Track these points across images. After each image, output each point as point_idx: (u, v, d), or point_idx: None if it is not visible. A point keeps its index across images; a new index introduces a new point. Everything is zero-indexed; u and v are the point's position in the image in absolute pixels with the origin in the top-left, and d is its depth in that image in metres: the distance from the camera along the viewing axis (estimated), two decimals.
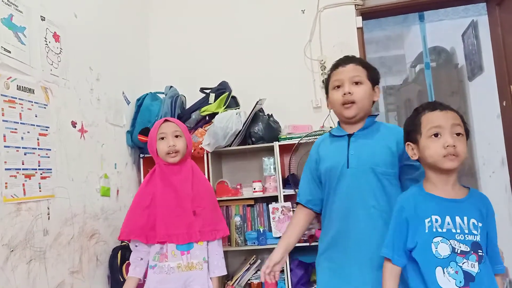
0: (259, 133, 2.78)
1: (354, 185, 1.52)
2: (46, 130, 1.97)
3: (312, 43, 3.06)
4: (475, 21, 3.76)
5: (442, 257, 1.30)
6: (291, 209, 2.69)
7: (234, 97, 2.98)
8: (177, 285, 1.82)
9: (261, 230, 2.73)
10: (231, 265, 3.00)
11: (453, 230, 1.31)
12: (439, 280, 1.29)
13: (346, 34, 3.02)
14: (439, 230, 1.33)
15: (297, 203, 1.75)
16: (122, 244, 2.50)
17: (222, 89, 2.94)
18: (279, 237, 2.65)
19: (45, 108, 1.97)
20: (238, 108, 2.90)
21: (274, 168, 2.78)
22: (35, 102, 1.91)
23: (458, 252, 1.29)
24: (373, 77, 1.60)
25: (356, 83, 1.55)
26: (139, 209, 1.92)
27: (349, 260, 1.52)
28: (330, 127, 2.77)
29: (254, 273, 2.80)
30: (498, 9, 2.83)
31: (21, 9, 1.86)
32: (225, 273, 1.95)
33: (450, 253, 1.30)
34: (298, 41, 3.07)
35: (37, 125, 1.91)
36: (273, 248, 2.75)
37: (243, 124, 2.77)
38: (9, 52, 1.77)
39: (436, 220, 1.34)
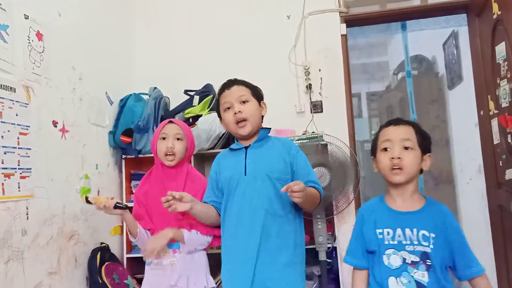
0: None
1: (250, 190, 1.65)
2: (27, 129, 1.95)
3: (296, 48, 3.09)
4: (456, 31, 3.85)
5: (394, 268, 1.39)
6: None
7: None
8: (174, 280, 1.82)
9: None
10: (211, 268, 2.99)
11: (404, 242, 1.39)
12: None
13: (330, 40, 3.06)
14: (391, 242, 1.41)
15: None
16: (102, 245, 2.48)
17: (206, 91, 2.95)
18: None
19: (26, 107, 1.95)
20: None
21: None
22: (16, 101, 1.89)
23: (409, 262, 1.37)
24: (257, 94, 1.77)
25: (243, 102, 1.70)
26: (140, 207, 1.95)
27: (239, 263, 1.63)
28: (312, 132, 2.81)
29: None
30: (477, 20, 2.90)
31: (4, 7, 1.84)
32: (184, 239, 1.84)
33: (401, 263, 1.38)
34: (283, 47, 3.09)
35: (17, 124, 1.88)
36: None
37: None
38: None
39: (388, 233, 1.42)
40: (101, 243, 2.49)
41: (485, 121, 2.83)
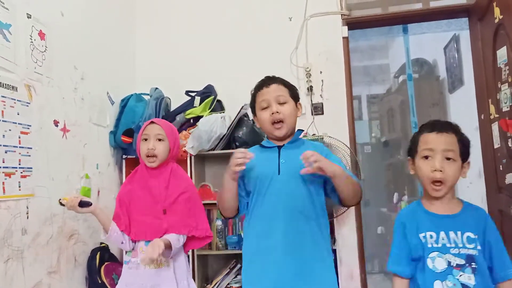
0: (243, 137, 2.79)
1: (284, 191, 1.61)
2: (28, 128, 1.95)
3: (298, 50, 3.10)
4: (457, 35, 3.85)
5: (439, 271, 1.37)
6: None
7: (219, 101, 2.99)
8: (145, 281, 1.80)
9: (242, 234, 2.74)
10: (211, 269, 3.00)
11: (448, 245, 1.38)
12: None
13: (332, 42, 3.06)
14: (435, 245, 1.39)
15: None
16: (101, 245, 2.48)
17: (207, 92, 2.95)
18: None
19: (27, 106, 1.96)
20: (223, 112, 2.91)
21: None
22: (18, 100, 1.89)
23: (454, 265, 1.36)
24: (295, 94, 1.74)
25: (282, 102, 1.67)
26: (120, 206, 1.91)
27: (272, 264, 1.58)
28: (313, 134, 2.81)
29: (234, 277, 2.80)
30: (479, 24, 2.90)
31: (7, 6, 1.85)
32: (172, 245, 1.77)
33: (446, 266, 1.36)
34: (285, 48, 3.10)
35: (19, 123, 1.89)
36: None
37: (228, 128, 2.79)
38: None
39: (431, 236, 1.40)
40: (101, 243, 2.49)
41: (485, 125, 2.83)
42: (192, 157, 2.79)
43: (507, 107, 2.46)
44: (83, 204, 1.78)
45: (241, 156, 1.52)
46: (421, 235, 1.42)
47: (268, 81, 1.72)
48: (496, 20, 2.57)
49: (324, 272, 1.61)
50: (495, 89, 2.62)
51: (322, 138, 2.65)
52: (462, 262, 1.35)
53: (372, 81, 6.11)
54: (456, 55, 3.90)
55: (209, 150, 2.80)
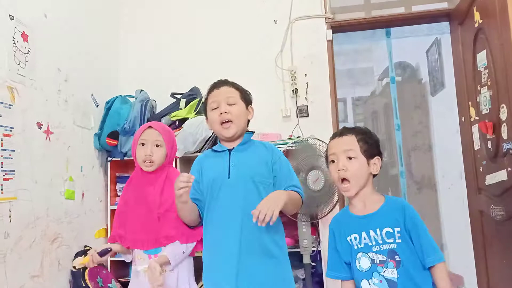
0: None
1: (234, 194, 1.63)
2: (11, 130, 1.93)
3: (283, 53, 3.12)
4: (439, 39, 3.93)
5: (365, 270, 1.42)
6: None
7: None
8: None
9: None
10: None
11: (369, 244, 1.43)
12: None
13: (316, 46, 3.09)
14: (359, 246, 1.45)
15: None
16: (86, 248, 2.46)
17: (193, 95, 2.95)
18: None
19: (10, 108, 1.94)
20: None
21: None
22: (0, 102, 1.87)
23: (377, 262, 1.41)
24: (246, 98, 1.76)
25: (231, 103, 1.69)
26: (119, 213, 1.90)
27: (220, 265, 1.60)
28: (298, 136, 2.83)
29: None
30: (460, 28, 2.96)
31: None
32: (170, 261, 1.79)
33: (370, 265, 1.41)
34: (270, 51, 3.12)
35: (1, 126, 1.87)
36: None
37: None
38: None
39: (355, 238, 1.46)
40: (85, 246, 2.47)
41: (466, 127, 2.89)
42: (178, 160, 2.79)
43: (487, 110, 2.52)
44: (102, 253, 1.75)
45: (184, 180, 1.52)
46: (348, 239, 1.47)
47: (219, 83, 1.75)
48: (476, 25, 2.63)
49: (275, 272, 1.61)
50: (475, 92, 2.68)
51: (307, 140, 2.67)
52: (384, 258, 1.40)
53: (356, 84, 6.17)
54: (438, 59, 3.97)
55: (195, 152, 2.79)
